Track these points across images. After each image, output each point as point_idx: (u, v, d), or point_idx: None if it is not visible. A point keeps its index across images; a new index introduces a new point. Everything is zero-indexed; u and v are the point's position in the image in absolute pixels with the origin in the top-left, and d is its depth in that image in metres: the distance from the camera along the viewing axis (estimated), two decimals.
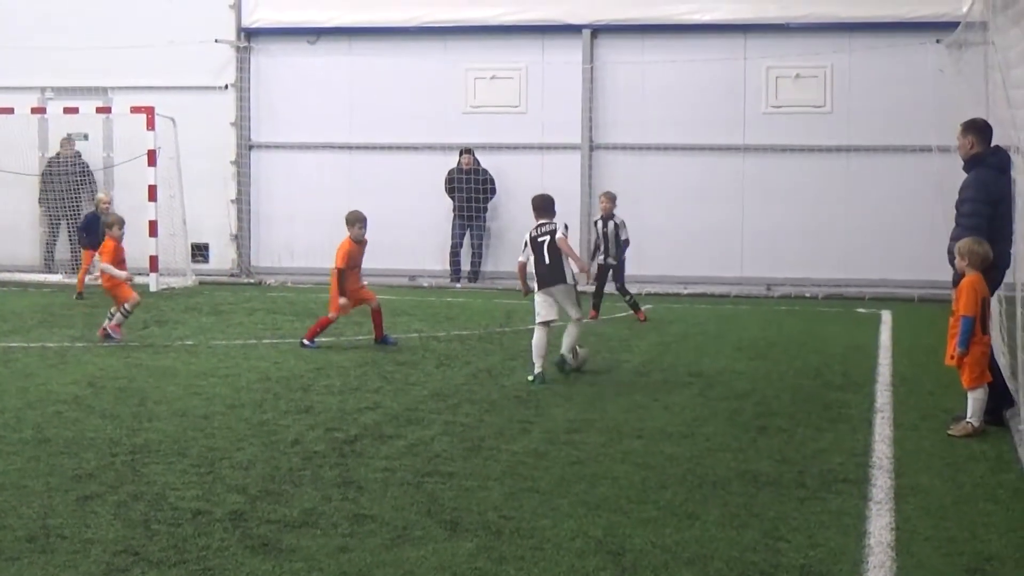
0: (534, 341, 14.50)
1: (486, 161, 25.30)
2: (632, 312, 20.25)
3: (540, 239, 14.79)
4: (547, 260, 14.67)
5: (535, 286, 14.78)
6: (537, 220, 15.01)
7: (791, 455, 10.62)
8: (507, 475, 9.87)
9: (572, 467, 10.15)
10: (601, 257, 20.38)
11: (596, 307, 20.25)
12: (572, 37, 25.10)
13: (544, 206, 15.11)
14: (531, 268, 14.89)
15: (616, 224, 20.24)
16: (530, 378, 14.26)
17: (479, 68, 25.36)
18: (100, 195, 23.53)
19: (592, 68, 25.11)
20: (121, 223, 17.95)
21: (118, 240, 17.65)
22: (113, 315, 17.32)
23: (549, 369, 14.46)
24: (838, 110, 24.54)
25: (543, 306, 14.62)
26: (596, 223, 20.56)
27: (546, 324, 14.52)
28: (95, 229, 22.66)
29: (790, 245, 24.67)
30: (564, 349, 14.79)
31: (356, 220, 17.17)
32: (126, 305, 17.28)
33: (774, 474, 9.93)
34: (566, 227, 15.07)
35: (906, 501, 9.15)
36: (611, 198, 20.38)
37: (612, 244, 20.26)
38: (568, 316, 14.84)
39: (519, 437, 11.26)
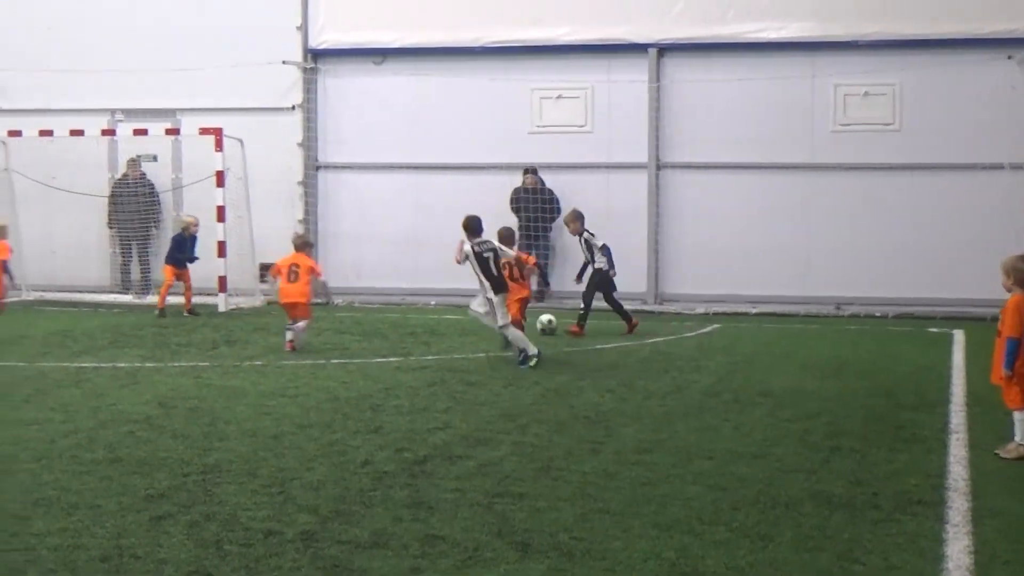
0: (514, 333, 16.96)
1: (551, 180, 25.27)
2: (576, 321, 20.68)
3: (485, 254, 17.08)
4: (494, 272, 17.07)
5: (487, 292, 16.99)
6: (472, 239, 17.21)
7: (864, 476, 10.50)
8: (578, 496, 9.81)
9: (643, 488, 10.08)
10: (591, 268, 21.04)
11: (627, 317, 21.13)
12: (638, 56, 25.04)
13: (475, 227, 17.40)
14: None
15: (586, 239, 20.98)
16: (532, 363, 16.53)
17: (545, 88, 25.35)
18: (188, 217, 23.75)
19: (658, 87, 25.04)
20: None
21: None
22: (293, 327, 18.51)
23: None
24: (906, 128, 24.34)
25: (483, 304, 17.15)
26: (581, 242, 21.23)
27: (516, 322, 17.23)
28: (183, 248, 22.97)
29: (859, 264, 24.47)
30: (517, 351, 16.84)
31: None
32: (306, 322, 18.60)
33: (847, 495, 9.81)
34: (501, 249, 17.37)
35: (984, 524, 9.02)
36: (576, 217, 21.20)
37: (595, 254, 20.95)
38: (495, 321, 17.05)
39: (589, 457, 11.20)
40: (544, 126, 25.56)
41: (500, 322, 17.02)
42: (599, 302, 20.74)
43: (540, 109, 25.53)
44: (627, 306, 21.56)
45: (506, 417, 13.21)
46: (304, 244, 19.73)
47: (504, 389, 15.05)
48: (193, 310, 22.90)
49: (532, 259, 19.04)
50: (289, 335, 18.40)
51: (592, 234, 20.99)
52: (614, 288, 21.14)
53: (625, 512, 9.31)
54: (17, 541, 8.60)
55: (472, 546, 8.49)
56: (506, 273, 17.77)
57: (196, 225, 23.45)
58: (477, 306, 17.37)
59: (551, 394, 14.70)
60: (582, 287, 21.10)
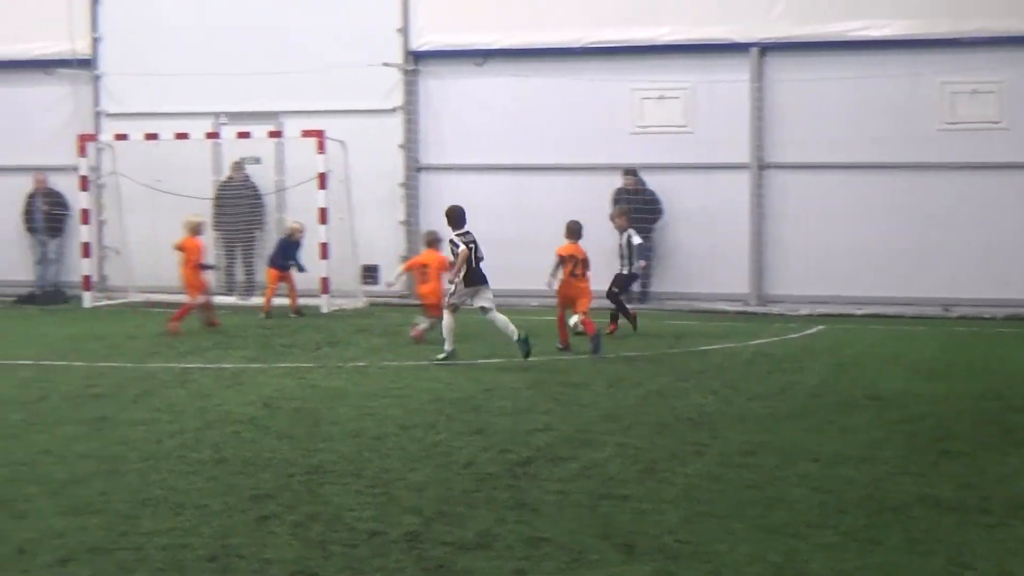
0: (446, 323, 17.46)
1: (652, 181, 25.14)
2: (609, 321, 20.74)
3: (469, 246, 17.50)
4: (474, 264, 17.52)
5: (459, 282, 17.41)
6: (456, 229, 17.81)
7: (974, 479, 10.33)
8: (682, 498, 9.75)
9: (748, 491, 9.99)
10: (625, 269, 21.09)
11: (627, 316, 21.04)
12: (740, 55, 24.84)
13: (458, 217, 18.04)
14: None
15: (628, 236, 20.97)
16: (440, 356, 17.11)
17: (646, 88, 25.21)
18: (294, 223, 23.95)
19: (760, 86, 24.82)
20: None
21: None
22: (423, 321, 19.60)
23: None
24: (1014, 126, 23.93)
25: (461, 297, 17.57)
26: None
27: (456, 308, 17.61)
28: (288, 254, 23.16)
29: (967, 264, 24.10)
30: (512, 335, 17.06)
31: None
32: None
33: (957, 499, 9.66)
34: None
35: None
36: (622, 212, 21.54)
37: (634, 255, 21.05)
38: (487, 308, 17.44)
39: (693, 460, 11.13)
40: (645, 126, 25.43)
41: (493, 307, 17.47)
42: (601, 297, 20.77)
43: (641, 109, 25.40)
44: (728, 307, 21.41)
45: (609, 418, 13.17)
46: (434, 240, 20.29)
47: (607, 390, 15.00)
48: (299, 310, 23.09)
49: None
50: (422, 324, 19.55)
51: (635, 233, 21.10)
52: (628, 290, 21.67)
53: (730, 515, 9.23)
54: (126, 540, 8.71)
55: (576, 548, 8.47)
56: (567, 270, 18.99)
57: (301, 232, 23.65)
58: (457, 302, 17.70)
59: (654, 395, 14.62)
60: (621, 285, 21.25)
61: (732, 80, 24.80)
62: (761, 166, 24.93)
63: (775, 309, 24.29)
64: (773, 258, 25.00)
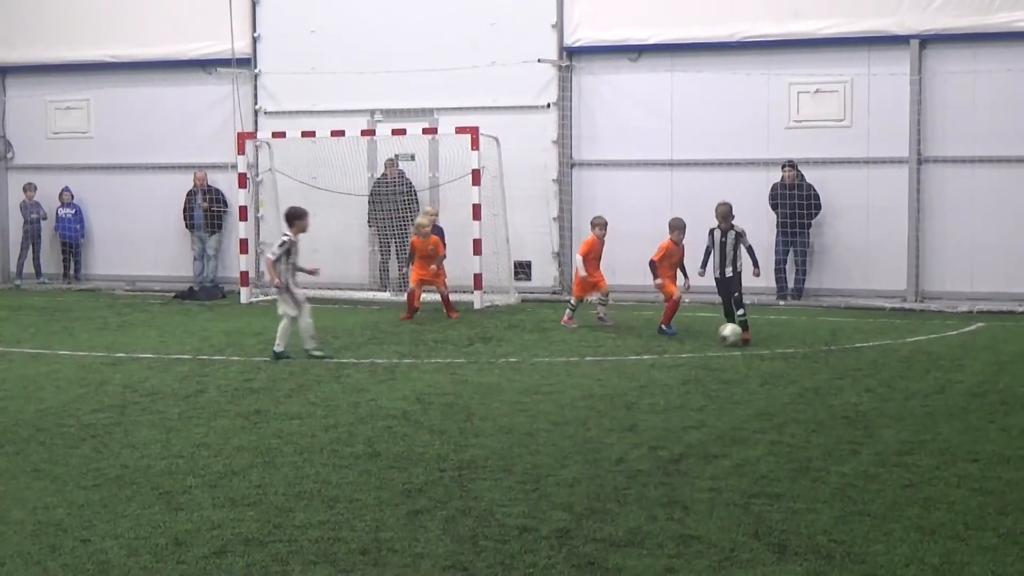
0: (283, 326, 17.40)
1: (810, 176, 24.79)
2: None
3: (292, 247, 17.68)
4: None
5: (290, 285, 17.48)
6: (292, 229, 17.82)
7: None
8: (836, 497, 9.60)
9: (904, 490, 9.80)
10: (718, 271, 19.35)
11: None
12: (899, 48, 24.38)
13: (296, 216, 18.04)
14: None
15: (736, 234, 19.26)
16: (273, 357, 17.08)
17: (802, 82, 24.87)
18: (421, 218, 24.05)
19: (920, 79, 24.35)
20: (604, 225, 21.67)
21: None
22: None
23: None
24: None
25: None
26: (712, 232, 19.54)
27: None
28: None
29: None
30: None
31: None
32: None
33: None
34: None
35: None
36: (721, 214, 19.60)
37: (732, 254, 19.25)
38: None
39: (848, 458, 10.94)
40: (801, 121, 25.10)
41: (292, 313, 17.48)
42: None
43: (797, 103, 25.07)
44: (885, 303, 20.97)
45: (762, 416, 13.02)
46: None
47: (760, 388, 14.83)
48: (452, 306, 23.18)
49: None
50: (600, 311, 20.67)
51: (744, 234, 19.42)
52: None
53: (886, 515, 9.06)
54: (281, 532, 8.81)
55: (728, 546, 8.38)
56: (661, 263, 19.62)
57: (428, 225, 23.68)
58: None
59: (809, 393, 14.42)
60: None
61: (891, 73, 24.36)
62: (920, 160, 24.45)
63: (933, 306, 23.80)
64: (932, 254, 24.50)
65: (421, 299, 22.76)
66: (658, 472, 10.52)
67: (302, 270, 17.88)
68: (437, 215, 23.77)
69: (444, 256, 22.78)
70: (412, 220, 26.12)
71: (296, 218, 18.03)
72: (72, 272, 29.42)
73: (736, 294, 19.08)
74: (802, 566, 7.95)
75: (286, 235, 17.84)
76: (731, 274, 19.19)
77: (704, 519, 9.05)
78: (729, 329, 18.63)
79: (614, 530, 8.80)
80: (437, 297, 22.74)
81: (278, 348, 17.37)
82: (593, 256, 21.52)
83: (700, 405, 13.70)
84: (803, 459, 10.93)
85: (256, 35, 28.26)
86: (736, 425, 12.55)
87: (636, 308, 23.29)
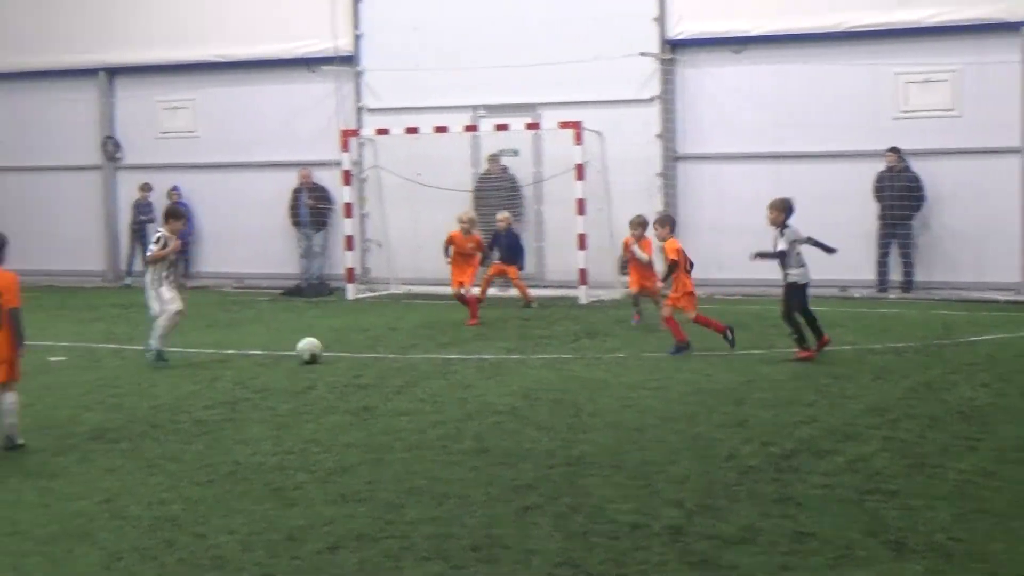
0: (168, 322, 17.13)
1: (918, 167, 24.41)
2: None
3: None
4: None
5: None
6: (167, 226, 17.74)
7: None
8: (954, 495, 9.44)
9: None
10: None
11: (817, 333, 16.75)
12: (1011, 36, 23.92)
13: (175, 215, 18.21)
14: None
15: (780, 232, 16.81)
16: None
17: (910, 71, 24.49)
18: (500, 214, 24.13)
19: None
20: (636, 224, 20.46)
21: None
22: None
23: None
24: None
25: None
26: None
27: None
28: (500, 243, 23.32)
29: None
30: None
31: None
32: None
33: None
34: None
35: None
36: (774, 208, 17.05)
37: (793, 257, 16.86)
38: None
39: (965, 455, 10.76)
40: (909, 111, 24.71)
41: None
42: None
43: (905, 94, 24.71)
44: (999, 296, 20.57)
45: (875, 411, 12.85)
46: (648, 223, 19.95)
47: (872, 383, 14.63)
48: (530, 303, 23.02)
49: None
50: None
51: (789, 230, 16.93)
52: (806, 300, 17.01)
53: (1007, 513, 8.90)
54: (392, 528, 8.84)
55: (843, 544, 8.28)
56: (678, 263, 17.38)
57: (504, 221, 23.73)
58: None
59: (922, 388, 14.20)
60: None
61: (1002, 61, 23.91)
62: None
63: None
64: None
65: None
66: (770, 468, 10.42)
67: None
68: (506, 221, 23.78)
69: (485, 255, 22.78)
70: (516, 215, 26.20)
71: (172, 217, 18.08)
72: (181, 270, 29.70)
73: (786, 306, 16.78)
74: (920, 565, 7.83)
75: (160, 232, 17.77)
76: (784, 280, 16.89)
77: (818, 516, 8.95)
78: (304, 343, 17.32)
79: (727, 527, 8.72)
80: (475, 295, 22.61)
81: (156, 345, 17.09)
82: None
83: (811, 400, 13.55)
84: (918, 455, 10.77)
85: (359, 33, 28.39)
86: (848, 420, 12.40)
87: (743, 303, 23.10)
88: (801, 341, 16.40)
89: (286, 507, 9.49)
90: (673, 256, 17.50)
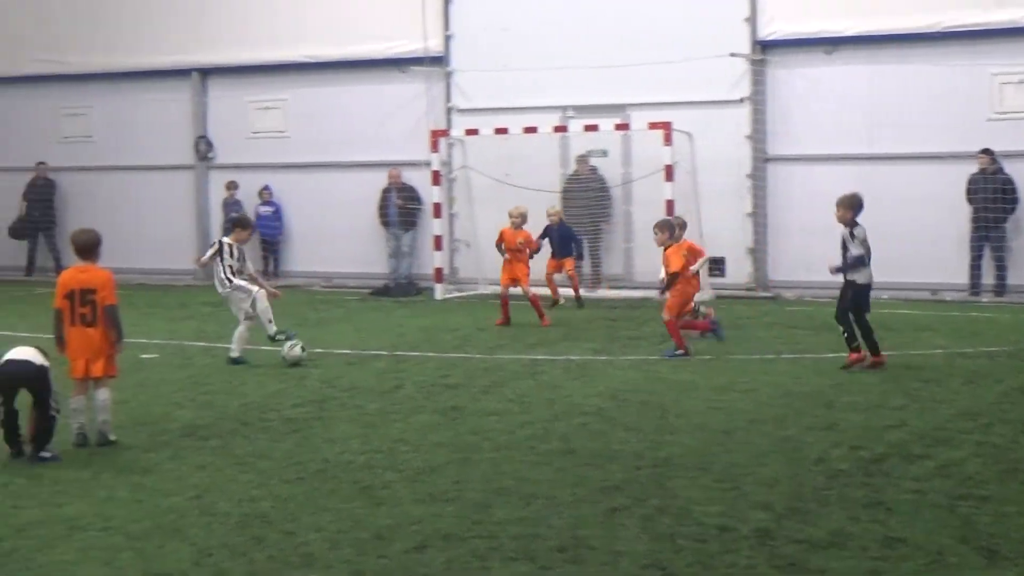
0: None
1: (1013, 170, 24.06)
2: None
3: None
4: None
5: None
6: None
7: None
8: None
9: None
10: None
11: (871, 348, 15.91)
12: None
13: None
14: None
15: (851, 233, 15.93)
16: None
17: (1007, 72, 24.13)
18: (551, 208, 24.15)
19: None
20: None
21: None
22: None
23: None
24: None
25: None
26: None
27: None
28: (551, 237, 23.59)
29: None
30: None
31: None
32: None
33: None
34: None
35: None
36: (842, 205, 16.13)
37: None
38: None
39: None
40: (1004, 112, 24.36)
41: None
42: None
43: (1000, 95, 24.38)
44: None
45: (966, 416, 12.70)
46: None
47: (963, 387, 14.46)
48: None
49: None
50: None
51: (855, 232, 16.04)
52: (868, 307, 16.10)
53: None
54: (480, 528, 8.86)
55: (934, 550, 8.20)
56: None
57: (555, 215, 23.71)
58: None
59: (1015, 392, 14.03)
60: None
61: None
62: None
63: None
64: None
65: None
66: (859, 472, 10.33)
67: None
68: (556, 215, 23.74)
69: (538, 250, 22.39)
70: (604, 217, 26.18)
71: (239, 227, 17.95)
72: (271, 269, 30.00)
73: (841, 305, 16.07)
74: (1013, 571, 7.74)
75: (224, 240, 17.72)
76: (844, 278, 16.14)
77: (909, 521, 8.86)
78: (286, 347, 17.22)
79: (815, 531, 8.66)
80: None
81: (234, 355, 17.20)
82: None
83: (900, 404, 13.42)
84: (1012, 460, 10.64)
85: (449, 33, 28.46)
86: (939, 425, 12.27)
87: (831, 304, 22.85)
88: (851, 341, 15.71)
89: (374, 506, 9.54)
90: (674, 268, 17.53)
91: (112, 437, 12.00)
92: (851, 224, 15.91)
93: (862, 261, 15.81)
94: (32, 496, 10.10)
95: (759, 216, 26.15)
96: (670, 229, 18.13)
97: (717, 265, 25.99)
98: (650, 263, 23.98)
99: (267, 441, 12.02)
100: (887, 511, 9.13)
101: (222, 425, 12.82)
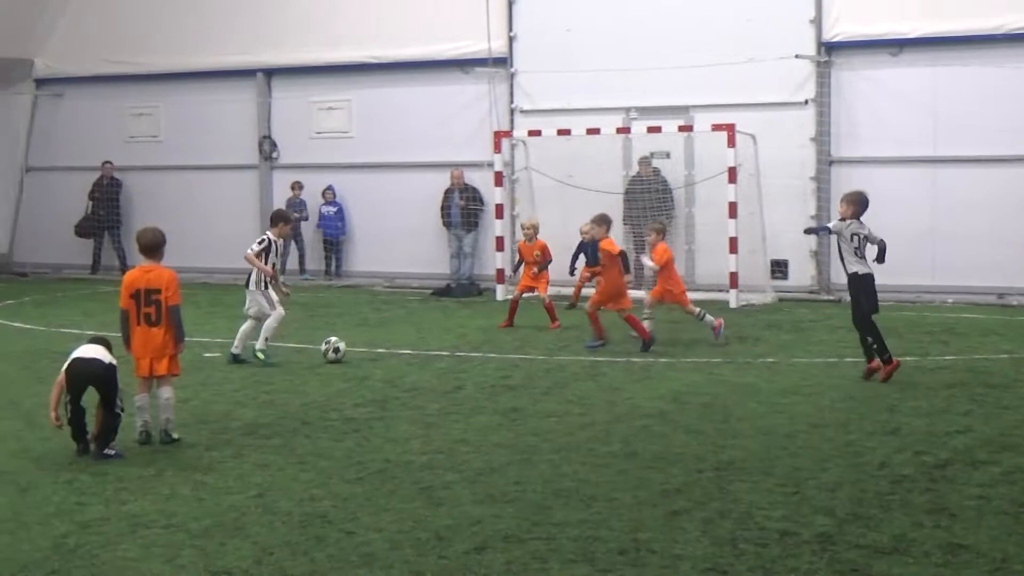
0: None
1: None
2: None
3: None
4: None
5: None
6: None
7: None
8: None
9: None
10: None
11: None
12: None
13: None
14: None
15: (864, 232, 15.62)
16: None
17: None
18: (584, 225, 24.00)
19: None
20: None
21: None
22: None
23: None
24: None
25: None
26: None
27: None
28: (586, 252, 23.65)
29: None
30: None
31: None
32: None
33: None
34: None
35: None
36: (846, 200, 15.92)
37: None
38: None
39: None
40: None
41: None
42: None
43: None
44: None
45: None
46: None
47: None
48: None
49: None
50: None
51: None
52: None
53: None
54: (539, 529, 8.86)
55: (999, 557, 8.13)
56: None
57: (588, 233, 23.54)
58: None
59: None
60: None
61: None
62: None
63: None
64: None
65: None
66: (923, 478, 10.25)
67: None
68: (587, 232, 23.64)
69: (550, 261, 22.31)
70: (668, 218, 26.08)
71: (282, 221, 17.95)
72: (333, 269, 30.11)
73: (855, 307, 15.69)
74: None
75: (267, 234, 17.67)
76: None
77: (973, 528, 8.78)
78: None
79: (878, 536, 8.60)
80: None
81: (235, 350, 17.33)
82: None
83: (966, 409, 13.30)
84: None
85: (512, 34, 28.46)
86: (1005, 431, 12.15)
87: (894, 308, 22.73)
88: (883, 351, 15.22)
89: (434, 506, 9.56)
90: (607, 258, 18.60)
91: (175, 435, 12.09)
92: (855, 219, 15.59)
93: (826, 233, 16.70)
94: (96, 493, 10.20)
95: (823, 219, 25.96)
96: (608, 223, 19.39)
97: (780, 268, 25.90)
98: (712, 265, 23.91)
99: (328, 440, 12.08)
100: (951, 517, 9.05)
101: (284, 424, 12.90)
